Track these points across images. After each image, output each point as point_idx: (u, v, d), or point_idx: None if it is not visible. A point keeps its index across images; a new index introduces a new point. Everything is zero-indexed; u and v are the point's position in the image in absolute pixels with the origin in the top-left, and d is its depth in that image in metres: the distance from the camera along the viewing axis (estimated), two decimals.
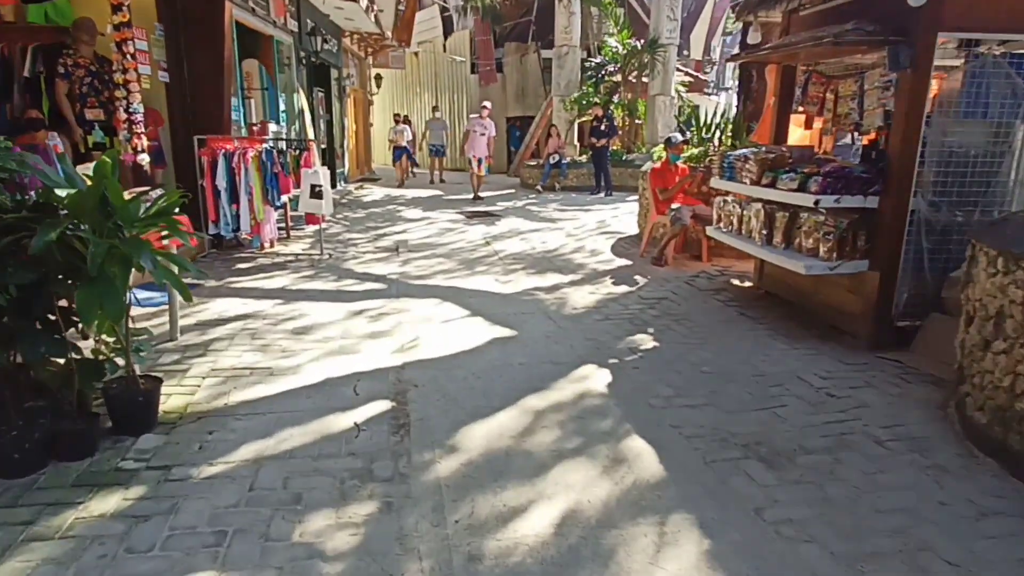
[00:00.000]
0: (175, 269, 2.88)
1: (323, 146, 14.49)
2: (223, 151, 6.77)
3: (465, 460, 2.84)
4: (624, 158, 15.24)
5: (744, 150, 5.32)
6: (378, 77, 20.27)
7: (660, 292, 5.84)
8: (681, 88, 16.49)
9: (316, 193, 6.90)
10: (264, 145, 6.88)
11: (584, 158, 15.28)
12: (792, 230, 4.75)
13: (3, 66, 6.32)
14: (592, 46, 17.04)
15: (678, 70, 16.54)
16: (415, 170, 17.96)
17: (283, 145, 7.01)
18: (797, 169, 4.65)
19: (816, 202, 4.31)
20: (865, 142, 4.72)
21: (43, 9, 6.45)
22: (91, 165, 2.90)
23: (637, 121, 16.53)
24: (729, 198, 5.55)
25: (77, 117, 6.26)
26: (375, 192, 14.69)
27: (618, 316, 5.13)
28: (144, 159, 5.95)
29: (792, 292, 5.28)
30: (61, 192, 2.41)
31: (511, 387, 3.64)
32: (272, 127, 7.92)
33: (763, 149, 5.23)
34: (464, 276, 6.50)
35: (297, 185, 7.09)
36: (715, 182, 5.69)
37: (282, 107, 10.76)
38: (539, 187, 14.68)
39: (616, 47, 16.02)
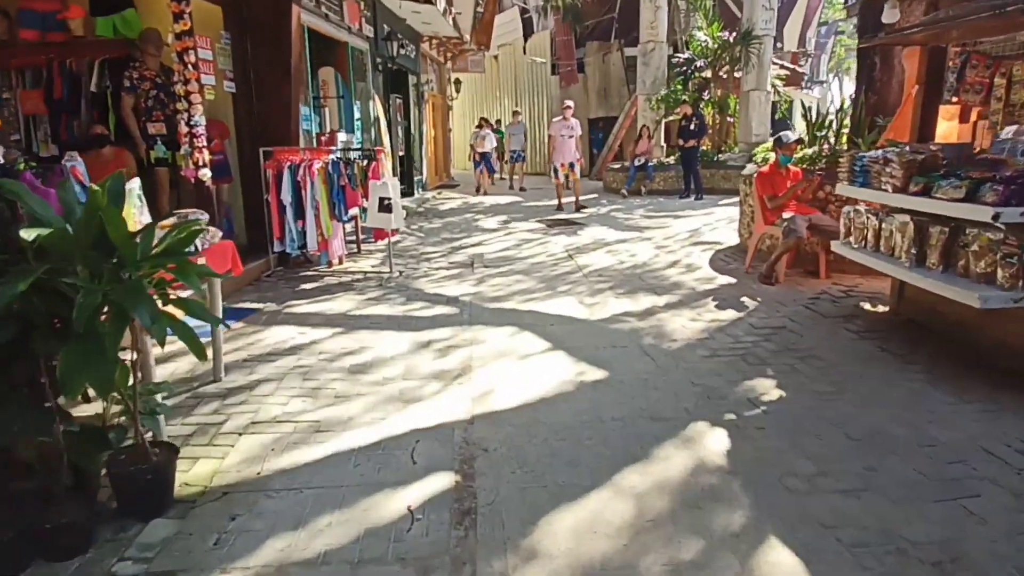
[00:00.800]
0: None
1: (401, 153, 14.22)
2: (289, 164, 6.39)
3: (548, 572, 2.16)
4: (716, 159, 14.16)
5: (881, 150, 4.38)
6: (457, 82, 19.94)
7: (776, 319, 4.95)
8: (777, 82, 15.19)
9: (385, 206, 6.40)
10: (331, 156, 6.45)
11: (672, 159, 14.30)
12: (953, 249, 3.78)
13: (71, 81, 6.17)
14: (680, 41, 16.01)
15: (773, 63, 15.25)
16: (493, 177, 17.39)
17: (353, 155, 6.57)
18: (959, 173, 3.70)
19: (995, 216, 3.35)
20: None
21: (111, 22, 6.26)
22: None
23: (729, 119, 15.37)
24: (862, 207, 4.61)
25: (141, 131, 6.03)
26: (453, 200, 14.27)
27: (728, 351, 4.30)
28: (205, 174, 5.62)
29: (946, 323, 4.28)
30: (29, 232, 1.90)
31: (604, 455, 2.93)
32: (341, 136, 7.54)
33: (906, 148, 4.27)
34: (544, 297, 5.82)
35: (366, 197, 6.62)
36: (842, 189, 4.76)
37: (357, 115, 10.44)
38: (624, 191, 13.82)
39: (705, 41, 14.94)
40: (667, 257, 7.36)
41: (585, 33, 20.29)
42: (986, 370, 3.79)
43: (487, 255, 7.80)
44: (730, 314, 5.15)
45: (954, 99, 4.20)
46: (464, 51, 18.57)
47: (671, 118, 14.56)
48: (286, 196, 6.41)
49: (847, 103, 7.85)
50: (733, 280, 6.20)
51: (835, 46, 33.25)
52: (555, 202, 11.95)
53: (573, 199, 11.66)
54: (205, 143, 5.75)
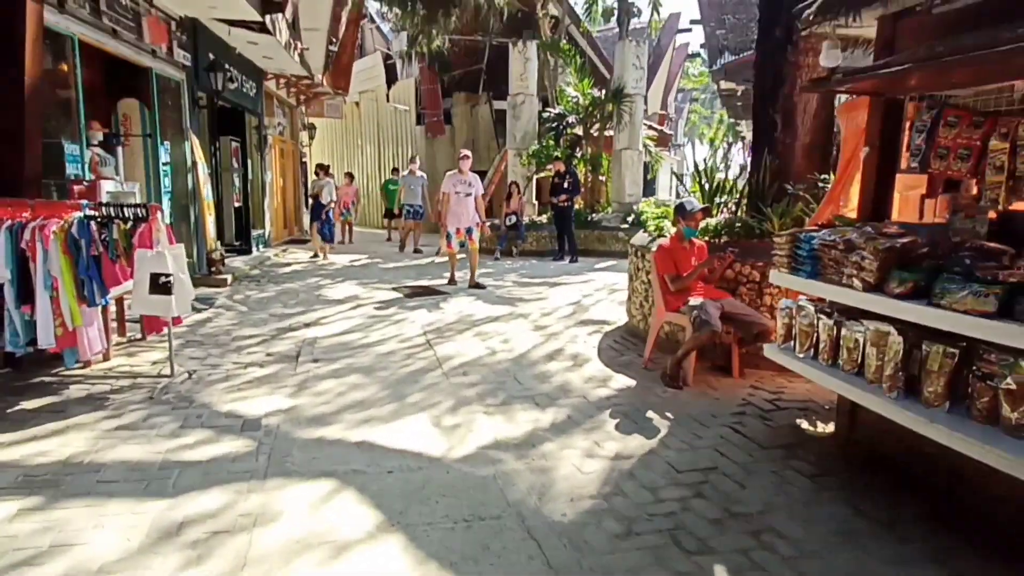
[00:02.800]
0: None
1: (237, 204, 12.14)
2: (7, 224, 4.38)
3: None
4: (589, 218, 13.35)
5: (838, 230, 3.26)
6: (311, 127, 18.11)
7: (702, 452, 3.64)
8: (649, 142, 14.82)
9: (161, 285, 4.53)
10: (75, 215, 4.50)
11: (544, 218, 13.30)
12: (962, 378, 2.64)
13: None
14: (550, 96, 15.35)
15: (643, 123, 14.93)
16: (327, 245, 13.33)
17: (124, 211, 4.65)
18: (966, 270, 2.59)
19: None
20: None
21: None
22: None
23: (600, 178, 14.75)
24: (806, 303, 3.46)
25: None
26: (300, 260, 12.30)
27: (648, 524, 2.89)
28: None
29: (924, 458, 3.14)
30: None
31: None
32: (109, 185, 5.56)
33: (867, 229, 3.18)
34: (388, 415, 4.19)
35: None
36: (780, 278, 3.60)
37: (165, 159, 8.40)
38: (497, 254, 12.55)
39: (576, 97, 14.32)
40: (548, 344, 5.99)
41: (452, 83, 19.32)
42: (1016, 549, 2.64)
43: (322, 340, 6.05)
44: (638, 443, 3.78)
45: (929, 167, 3.18)
46: (319, 94, 16.86)
47: (542, 174, 13.67)
48: (2, 269, 4.36)
49: (704, 166, 7.03)
50: (631, 381, 4.91)
51: (689, 112, 35.14)
52: (438, 278, 10.10)
53: (468, 273, 9.21)
54: None
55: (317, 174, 12.91)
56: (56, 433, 3.78)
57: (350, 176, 16.59)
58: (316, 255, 12.45)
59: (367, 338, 6.20)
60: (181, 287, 4.67)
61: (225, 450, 3.63)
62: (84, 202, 4.65)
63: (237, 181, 12.06)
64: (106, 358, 5.04)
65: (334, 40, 14.26)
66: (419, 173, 13.68)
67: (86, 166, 7.45)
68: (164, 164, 8.28)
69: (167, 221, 8.54)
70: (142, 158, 8.29)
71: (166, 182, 8.33)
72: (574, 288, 9.16)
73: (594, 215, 13.56)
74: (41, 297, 4.41)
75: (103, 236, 4.53)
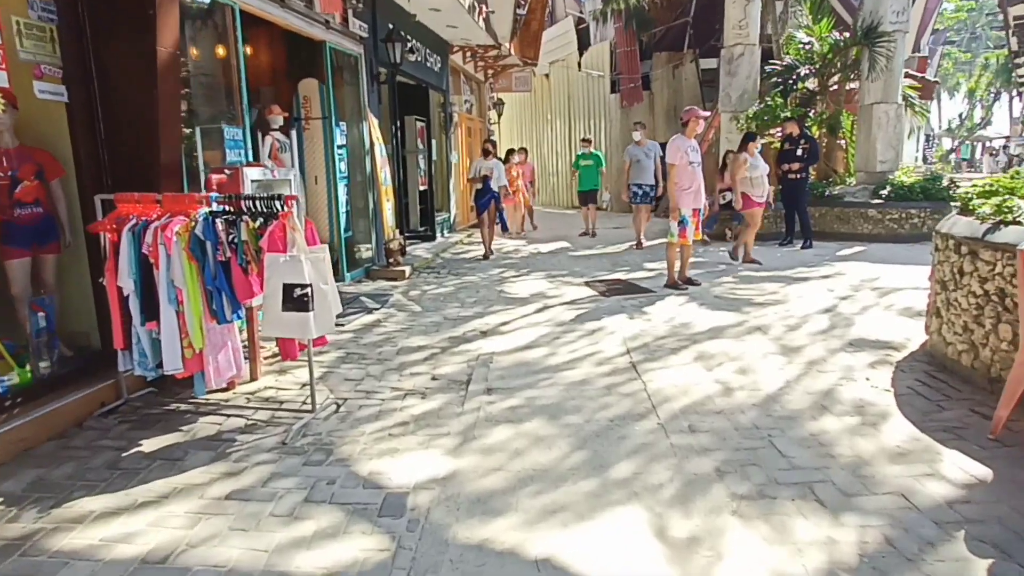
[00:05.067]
0: None
1: (423, 187, 11.50)
2: (131, 223, 3.61)
3: None
4: (827, 192, 10.82)
5: None
6: (499, 103, 17.24)
7: None
8: (911, 93, 11.72)
9: (296, 300, 3.52)
10: (202, 211, 3.63)
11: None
12: None
13: None
14: (775, 46, 12.78)
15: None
16: (515, 229, 12.87)
17: (258, 204, 3.72)
18: None
19: None
20: None
21: None
22: None
23: (839, 141, 12.00)
24: None
25: None
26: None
27: None
28: None
29: None
30: None
31: None
32: (254, 172, 4.71)
33: None
34: (583, 505, 2.78)
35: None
36: None
37: (341, 141, 7.73)
38: (704, 236, 10.60)
39: (809, 43, 11.69)
40: (809, 380, 4.18)
41: (652, 43, 17.29)
42: None
43: (499, 358, 4.82)
44: None
45: None
46: (507, 67, 15.87)
47: (766, 139, 11.32)
48: (126, 279, 3.62)
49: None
50: (977, 467, 2.98)
51: (942, 57, 29.11)
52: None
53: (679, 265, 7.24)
54: None
55: (487, 153, 10.28)
56: (157, 501, 2.88)
57: (524, 152, 14.49)
58: (487, 255, 9.96)
59: (554, 356, 4.85)
60: (323, 301, 3.64)
61: (350, 554, 2.47)
62: (213, 195, 3.76)
63: (422, 163, 11.40)
64: (234, 385, 4.21)
65: (522, 3, 13.04)
66: (648, 142, 10.61)
67: (265, 152, 6.96)
68: (339, 147, 7.61)
69: (345, 208, 7.96)
70: (321, 142, 7.70)
71: (341, 167, 7.66)
72: (819, 286, 7.05)
73: (831, 188, 10.99)
74: (165, 312, 3.61)
75: (231, 237, 3.61)
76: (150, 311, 3.64)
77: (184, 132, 4.45)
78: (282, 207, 3.66)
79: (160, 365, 3.73)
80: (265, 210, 3.68)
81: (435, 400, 4.03)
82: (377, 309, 6.49)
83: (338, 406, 3.95)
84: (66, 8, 3.82)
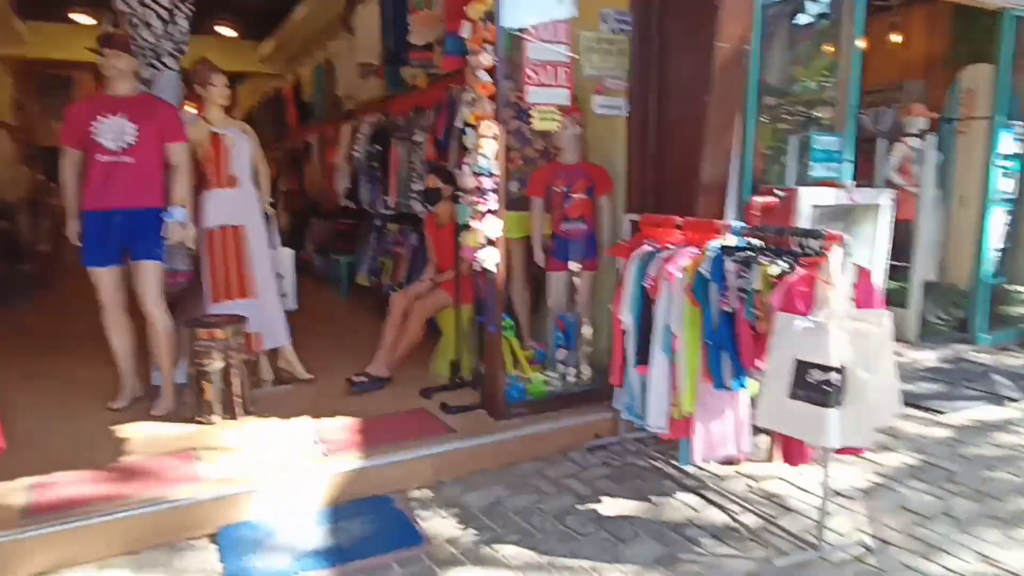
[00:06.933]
0: None
1: None
2: (643, 250, 3.16)
3: None
4: None
5: None
6: None
7: None
8: None
9: (814, 387, 2.37)
10: (712, 242, 2.80)
11: None
12: None
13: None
14: None
15: None
16: None
17: (797, 244, 2.63)
18: None
19: None
20: None
21: None
22: None
23: None
24: None
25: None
26: None
27: None
28: (487, 259, 3.20)
29: None
30: None
31: None
32: (817, 196, 3.34)
33: None
34: None
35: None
36: None
37: (1007, 148, 5.49)
38: None
39: None
40: None
41: None
42: None
43: None
44: None
45: None
46: None
47: None
48: (625, 313, 3.19)
49: None
50: None
51: None
52: None
53: None
54: (491, 204, 3.26)
55: None
56: None
57: None
58: None
59: None
60: (859, 396, 2.37)
61: None
62: (735, 224, 2.91)
63: None
64: (771, 458, 3.26)
65: None
66: None
67: (893, 163, 5.61)
68: (1006, 156, 5.40)
69: (1000, 243, 5.65)
70: (980, 149, 5.67)
71: (1002, 184, 5.42)
72: None
73: None
74: (657, 359, 3.03)
75: (740, 283, 2.71)
76: (643, 354, 3.12)
77: (746, 143, 3.70)
78: (819, 250, 2.53)
79: (643, 415, 3.18)
80: (797, 251, 2.62)
81: None
82: (1015, 401, 4.31)
83: (867, 550, 2.59)
84: (641, 15, 3.59)
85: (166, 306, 3.57)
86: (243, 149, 3.85)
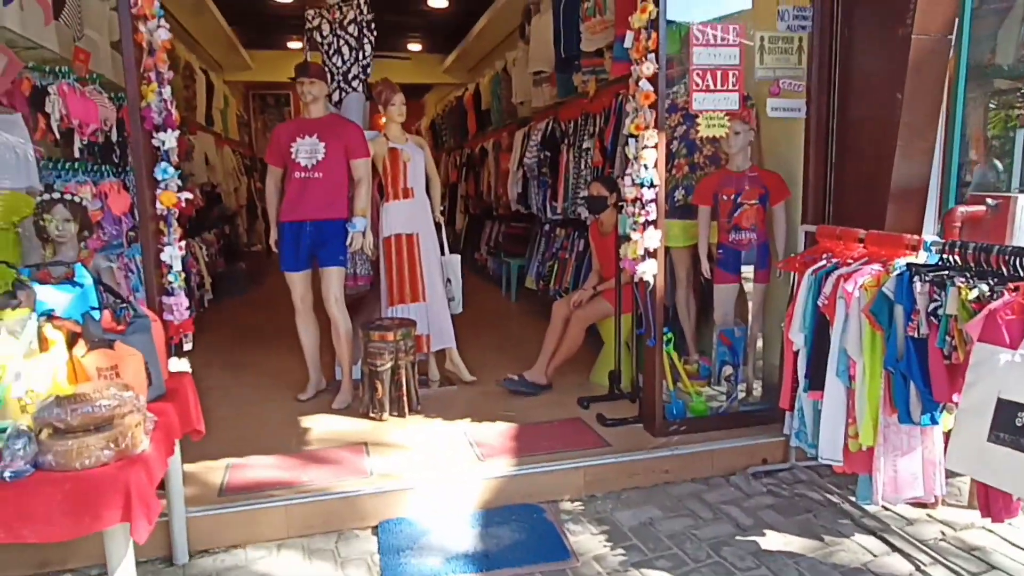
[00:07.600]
0: None
1: None
2: (821, 263, 2.89)
3: None
4: None
5: None
6: None
7: None
8: None
9: (1020, 430, 2.01)
10: (900, 260, 2.45)
11: None
12: None
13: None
14: None
15: None
16: None
17: (1012, 264, 2.21)
18: None
19: None
20: None
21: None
22: None
23: None
24: None
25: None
26: None
27: None
28: (646, 271, 3.19)
29: None
30: None
31: None
32: None
33: None
34: None
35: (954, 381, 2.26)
36: None
37: None
38: None
39: None
40: None
41: None
42: None
43: None
44: None
45: None
46: None
47: None
48: (796, 332, 2.93)
49: None
50: None
51: None
52: None
53: None
54: (654, 216, 3.19)
55: None
56: None
57: None
58: None
59: None
60: None
61: None
62: (929, 239, 2.54)
63: None
64: (935, 504, 2.85)
65: None
66: None
67: None
68: None
69: None
70: None
71: None
72: None
73: None
74: (832, 384, 2.74)
75: (934, 306, 2.36)
76: (817, 378, 2.84)
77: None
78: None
79: (815, 446, 2.89)
80: (1005, 272, 2.24)
81: None
82: None
83: None
84: (822, 8, 3.28)
85: (346, 309, 3.92)
86: (418, 162, 4.11)
